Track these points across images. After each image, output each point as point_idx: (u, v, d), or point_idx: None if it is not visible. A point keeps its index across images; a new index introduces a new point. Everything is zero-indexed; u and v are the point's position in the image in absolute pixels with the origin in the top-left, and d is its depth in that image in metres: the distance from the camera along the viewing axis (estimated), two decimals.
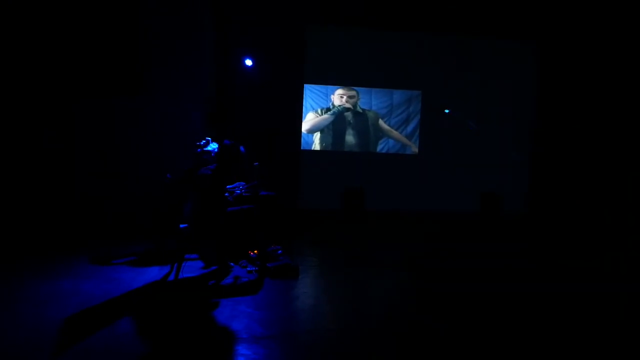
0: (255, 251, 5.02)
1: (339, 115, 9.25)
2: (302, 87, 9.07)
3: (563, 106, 9.42)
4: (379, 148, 9.41)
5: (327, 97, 9.21)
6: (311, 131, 9.19)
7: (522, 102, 9.63)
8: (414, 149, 9.47)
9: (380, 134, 9.40)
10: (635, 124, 8.81)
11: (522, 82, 9.58)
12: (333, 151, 9.25)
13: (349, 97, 9.24)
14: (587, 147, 9.30)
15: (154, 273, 4.67)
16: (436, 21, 9.11)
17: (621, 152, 8.97)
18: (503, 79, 9.50)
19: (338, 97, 9.21)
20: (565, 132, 9.42)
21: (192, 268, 4.86)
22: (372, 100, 9.35)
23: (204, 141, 5.19)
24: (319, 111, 9.18)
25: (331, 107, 9.20)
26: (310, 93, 9.17)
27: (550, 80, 9.47)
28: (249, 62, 8.42)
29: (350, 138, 9.32)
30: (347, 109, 9.25)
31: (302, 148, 9.12)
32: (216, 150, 5.04)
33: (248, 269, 4.86)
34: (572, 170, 9.38)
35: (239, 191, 5.18)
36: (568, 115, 9.41)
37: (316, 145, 9.24)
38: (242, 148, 4.77)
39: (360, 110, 9.31)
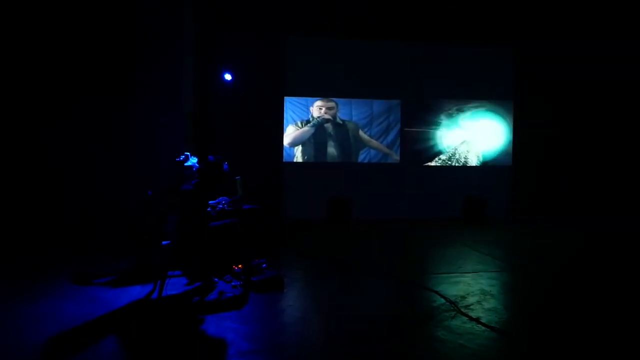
0: (240, 265, 4.99)
1: (320, 127, 9.31)
2: (283, 99, 9.12)
3: (542, 109, 9.64)
4: (360, 158, 9.49)
5: (308, 109, 9.27)
6: (293, 144, 9.22)
7: (501, 105, 9.82)
8: (395, 157, 9.56)
9: (361, 144, 9.48)
10: (614, 125, 9.07)
11: (500, 86, 9.78)
12: (315, 162, 9.29)
13: (328, 108, 9.31)
14: (567, 149, 9.53)
15: (136, 291, 4.61)
16: (413, 30, 9.28)
17: (603, 152, 9.21)
18: (481, 84, 9.68)
19: (317, 108, 9.27)
20: (545, 135, 9.64)
21: (175, 285, 4.80)
22: (352, 111, 9.44)
23: (182, 156, 5.17)
24: (299, 124, 9.22)
25: (310, 119, 9.25)
26: (291, 105, 9.21)
27: (527, 84, 9.69)
28: (228, 77, 8.43)
29: (331, 149, 9.38)
30: (327, 120, 9.31)
31: (284, 160, 9.14)
32: (196, 164, 5.03)
33: (233, 283, 4.83)
34: (554, 172, 9.58)
35: (221, 206, 5.16)
36: (547, 118, 9.63)
37: (298, 158, 9.27)
38: (225, 165, 4.77)
39: (340, 122, 9.39)
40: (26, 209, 6.70)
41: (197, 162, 5.10)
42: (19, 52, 6.71)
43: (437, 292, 4.64)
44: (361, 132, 9.46)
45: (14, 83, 6.71)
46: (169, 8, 7.21)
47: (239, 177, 5.51)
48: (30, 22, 6.75)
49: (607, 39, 8.98)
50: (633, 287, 5.08)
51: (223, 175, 4.70)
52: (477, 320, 3.92)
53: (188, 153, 5.26)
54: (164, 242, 4.52)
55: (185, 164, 5.10)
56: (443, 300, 4.42)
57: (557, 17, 9.25)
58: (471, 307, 4.25)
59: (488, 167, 9.80)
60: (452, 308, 4.22)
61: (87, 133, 7.04)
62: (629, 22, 8.74)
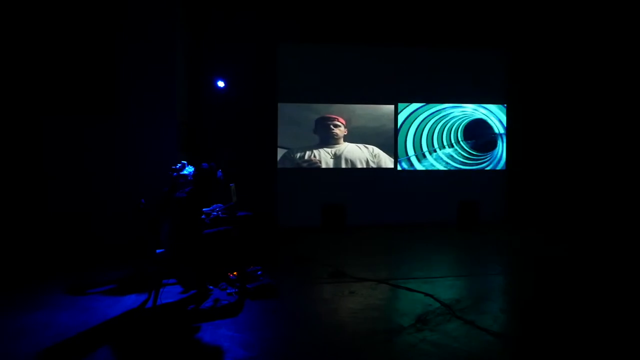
0: (235, 273, 4.99)
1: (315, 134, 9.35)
2: (276, 105, 9.14)
3: (535, 113, 9.70)
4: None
5: (303, 116, 9.27)
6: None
7: (496, 109, 9.88)
8: (389, 163, 9.59)
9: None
10: (609, 129, 9.12)
11: (495, 89, 9.84)
12: (310, 168, 9.30)
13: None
14: (561, 153, 9.58)
15: (131, 300, 4.60)
16: (407, 35, 9.33)
17: (595, 156, 9.26)
18: (475, 88, 9.74)
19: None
20: (539, 138, 9.69)
21: (170, 293, 4.79)
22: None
23: (179, 165, 5.18)
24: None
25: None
26: (287, 112, 9.23)
27: (521, 87, 9.75)
28: (221, 84, 8.45)
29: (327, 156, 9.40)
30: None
31: (278, 167, 9.15)
32: (192, 173, 5.03)
33: (228, 291, 4.82)
34: (547, 176, 9.62)
35: (215, 213, 5.17)
36: (541, 121, 9.69)
37: (293, 164, 9.27)
38: (219, 172, 4.78)
39: None
40: (22, 213, 6.72)
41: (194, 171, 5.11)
42: (18, 56, 6.81)
43: (431, 296, 4.65)
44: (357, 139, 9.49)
45: (12, 89, 6.78)
46: (162, 13, 7.27)
47: (233, 184, 5.52)
48: (30, 28, 6.85)
49: (603, 40, 9.04)
50: (630, 288, 5.11)
51: (217, 183, 4.71)
52: (471, 323, 3.94)
53: (185, 162, 5.26)
54: (158, 251, 4.52)
55: (181, 173, 5.11)
56: (438, 304, 4.44)
57: (551, 20, 9.32)
58: (466, 310, 4.27)
59: (482, 171, 9.84)
60: (447, 312, 4.23)
61: (83, 139, 7.08)
62: (626, 22, 8.79)
